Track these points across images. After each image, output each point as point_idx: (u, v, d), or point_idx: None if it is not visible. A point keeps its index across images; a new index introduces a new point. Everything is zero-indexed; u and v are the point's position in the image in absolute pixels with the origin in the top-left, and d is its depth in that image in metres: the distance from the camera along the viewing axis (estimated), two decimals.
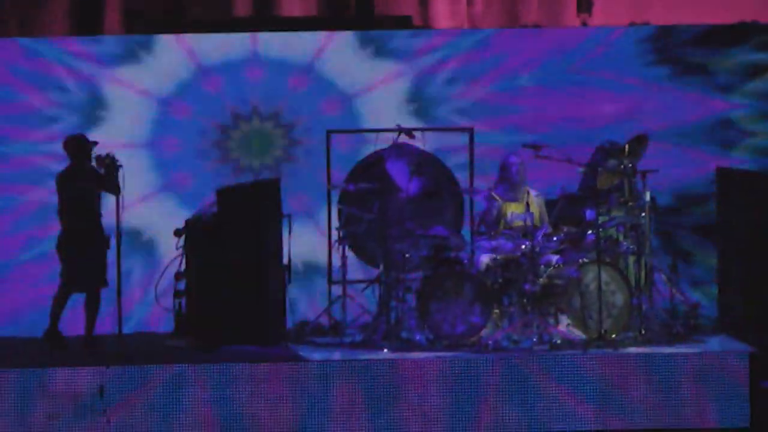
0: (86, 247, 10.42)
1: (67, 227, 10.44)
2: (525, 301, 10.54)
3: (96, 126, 12.16)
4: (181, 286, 10.79)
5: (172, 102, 12.32)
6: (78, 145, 10.68)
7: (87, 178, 10.53)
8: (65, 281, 10.40)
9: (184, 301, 10.91)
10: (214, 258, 10.59)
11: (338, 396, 9.86)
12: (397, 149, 11.64)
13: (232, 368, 9.79)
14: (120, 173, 10.39)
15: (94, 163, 10.52)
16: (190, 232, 10.69)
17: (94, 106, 12.26)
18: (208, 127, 12.29)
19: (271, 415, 9.82)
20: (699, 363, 10.00)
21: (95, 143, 10.75)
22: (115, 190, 10.26)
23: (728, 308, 11.46)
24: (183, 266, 10.76)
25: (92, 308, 10.50)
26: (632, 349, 10.25)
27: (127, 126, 12.24)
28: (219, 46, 12.36)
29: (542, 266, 10.66)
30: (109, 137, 11.62)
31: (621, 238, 10.89)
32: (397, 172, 11.71)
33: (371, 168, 11.72)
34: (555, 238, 10.82)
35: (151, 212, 12.13)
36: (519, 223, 10.85)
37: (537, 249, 10.58)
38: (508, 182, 10.97)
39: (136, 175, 11.55)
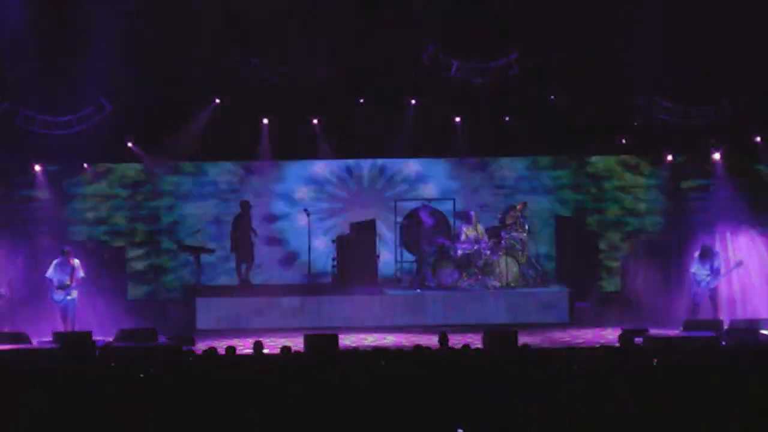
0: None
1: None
2: (477, 269, 19.70)
3: None
4: (335, 262, 20.57)
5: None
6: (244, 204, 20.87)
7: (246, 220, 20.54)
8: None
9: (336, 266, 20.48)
10: (350, 252, 20.47)
11: (398, 308, 19.61)
12: (424, 206, 20.98)
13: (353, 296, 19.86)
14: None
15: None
16: (339, 240, 20.87)
17: None
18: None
19: (370, 313, 19.69)
20: (548, 296, 19.78)
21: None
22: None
23: (560, 273, 20.96)
24: (336, 254, 20.66)
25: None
26: (519, 290, 19.85)
27: None
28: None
29: (484, 255, 19.85)
30: None
31: (516, 244, 20.30)
32: (424, 215, 20.99)
33: (413, 214, 21.10)
34: (489, 243, 19.94)
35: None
36: (475, 237, 19.86)
37: (481, 248, 19.88)
38: (470, 221, 20.26)
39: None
